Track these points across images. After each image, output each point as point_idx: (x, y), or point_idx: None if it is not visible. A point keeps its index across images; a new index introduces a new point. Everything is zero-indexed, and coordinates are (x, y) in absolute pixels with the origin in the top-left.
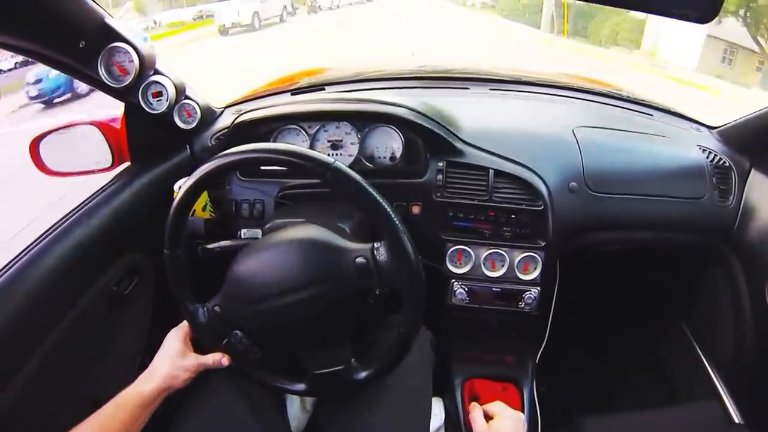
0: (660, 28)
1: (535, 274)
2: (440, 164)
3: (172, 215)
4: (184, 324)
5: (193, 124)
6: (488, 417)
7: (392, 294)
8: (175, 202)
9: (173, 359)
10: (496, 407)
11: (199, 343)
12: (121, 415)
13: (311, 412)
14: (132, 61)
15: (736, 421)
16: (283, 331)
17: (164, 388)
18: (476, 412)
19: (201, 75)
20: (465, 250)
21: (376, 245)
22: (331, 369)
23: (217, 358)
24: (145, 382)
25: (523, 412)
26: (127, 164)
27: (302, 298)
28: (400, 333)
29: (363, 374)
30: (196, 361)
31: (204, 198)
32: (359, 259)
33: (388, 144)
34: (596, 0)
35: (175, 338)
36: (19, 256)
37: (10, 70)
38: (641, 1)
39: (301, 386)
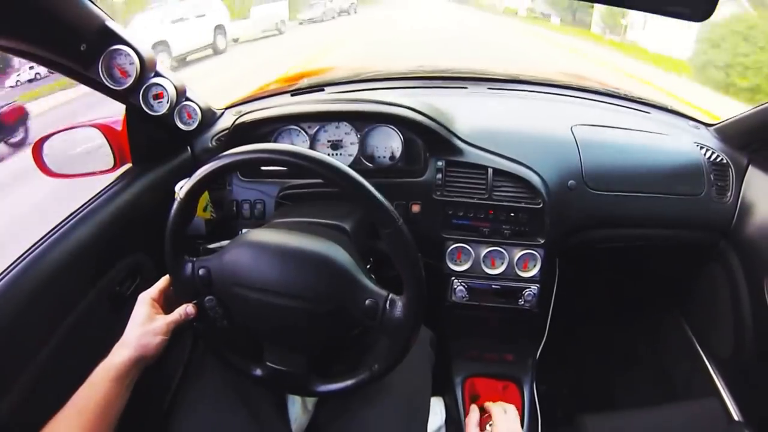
0: None
1: (534, 272)
2: (440, 163)
3: (213, 161)
4: (153, 288)
5: (194, 126)
6: (487, 418)
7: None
8: (221, 162)
9: (141, 326)
10: (495, 411)
11: (168, 306)
12: (97, 394)
13: (312, 412)
14: (133, 63)
15: (736, 418)
16: (262, 323)
17: (136, 357)
18: (473, 416)
19: None
20: (465, 248)
21: (392, 297)
22: (287, 369)
23: (182, 310)
24: (115, 355)
25: (523, 410)
26: (128, 166)
27: (300, 308)
28: (371, 370)
29: (319, 387)
30: (165, 321)
31: (205, 198)
32: (369, 301)
33: (388, 143)
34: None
35: (143, 303)
36: (22, 257)
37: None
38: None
39: (257, 371)
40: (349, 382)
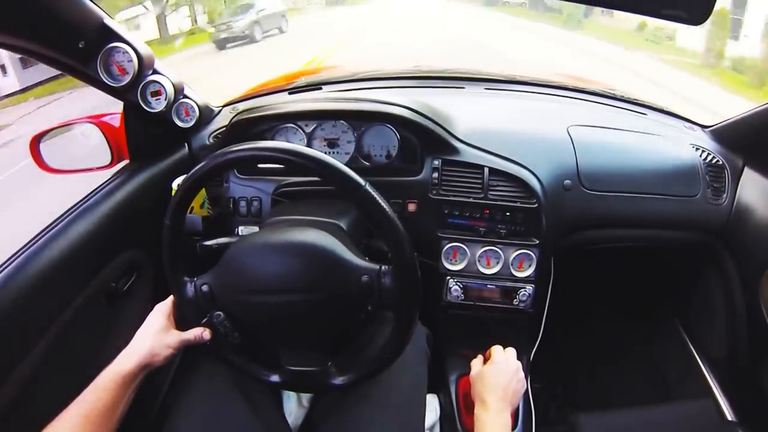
0: None
1: (529, 272)
2: (436, 162)
3: (186, 182)
4: (168, 301)
5: (191, 123)
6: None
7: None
8: (203, 166)
9: (155, 336)
10: (494, 352)
11: (181, 321)
12: (103, 399)
13: (308, 408)
14: (131, 60)
15: (729, 418)
16: (269, 325)
17: (144, 365)
18: (478, 359)
19: None
20: (460, 247)
21: (383, 268)
22: (307, 368)
23: (198, 333)
24: (124, 361)
25: (517, 409)
26: (126, 162)
27: (297, 300)
28: (383, 350)
29: (338, 380)
30: (178, 337)
31: (202, 195)
32: (365, 278)
33: (384, 142)
34: (586, 0)
35: (159, 314)
36: (19, 253)
37: None
38: (631, 1)
39: (275, 377)
40: (365, 371)
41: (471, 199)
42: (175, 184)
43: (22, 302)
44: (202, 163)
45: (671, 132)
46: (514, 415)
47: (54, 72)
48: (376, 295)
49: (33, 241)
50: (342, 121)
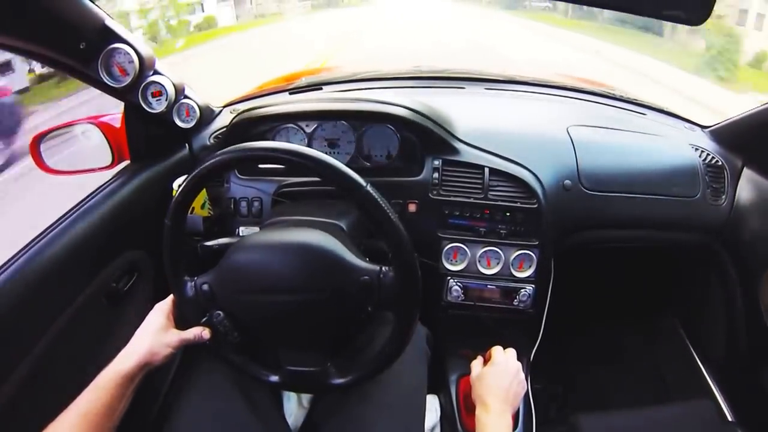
0: None
1: (529, 272)
2: (436, 162)
3: (187, 183)
4: (168, 300)
5: (192, 123)
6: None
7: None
8: (205, 167)
9: (155, 335)
10: (494, 353)
11: (181, 320)
12: (103, 398)
13: (308, 408)
14: (132, 61)
15: (729, 418)
16: (268, 325)
17: (144, 364)
18: (477, 360)
19: None
20: (461, 247)
21: (384, 269)
22: (306, 369)
23: (197, 332)
24: (124, 360)
25: (517, 409)
26: (126, 163)
27: (297, 301)
28: (383, 351)
29: (337, 380)
30: (178, 336)
31: (203, 196)
32: (365, 278)
33: (385, 143)
34: (585, 2)
35: (159, 313)
36: (20, 253)
37: None
38: (631, 2)
39: (275, 378)
40: (365, 372)
41: (471, 200)
42: (175, 185)
43: (24, 302)
44: (203, 164)
45: (671, 132)
46: (515, 416)
47: None
48: (376, 296)
49: (34, 242)
50: (342, 122)
